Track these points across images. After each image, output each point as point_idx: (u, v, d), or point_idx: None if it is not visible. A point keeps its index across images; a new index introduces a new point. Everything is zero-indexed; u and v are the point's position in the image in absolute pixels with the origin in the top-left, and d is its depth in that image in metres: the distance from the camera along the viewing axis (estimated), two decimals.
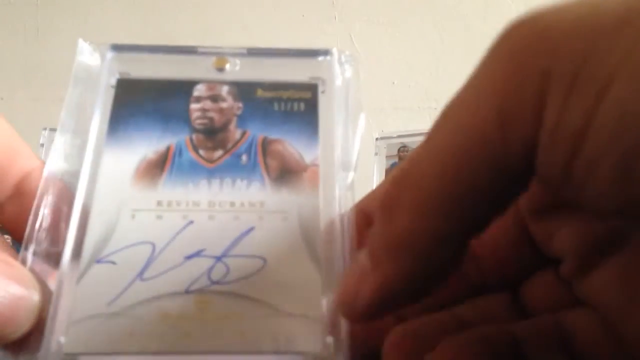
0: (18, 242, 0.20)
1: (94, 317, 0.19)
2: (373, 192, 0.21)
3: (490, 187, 0.15)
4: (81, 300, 0.19)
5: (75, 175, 0.21)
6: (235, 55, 0.24)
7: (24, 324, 0.18)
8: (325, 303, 0.19)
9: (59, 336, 0.18)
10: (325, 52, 0.24)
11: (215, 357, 0.19)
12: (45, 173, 0.21)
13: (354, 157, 0.22)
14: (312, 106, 0.23)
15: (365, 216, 0.21)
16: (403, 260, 0.16)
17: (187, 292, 0.19)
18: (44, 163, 0.21)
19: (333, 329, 0.19)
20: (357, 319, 0.18)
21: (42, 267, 0.19)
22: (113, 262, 0.19)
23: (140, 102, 0.22)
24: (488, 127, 0.14)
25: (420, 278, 0.16)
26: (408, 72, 0.89)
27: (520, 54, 0.14)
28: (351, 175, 0.22)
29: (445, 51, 0.91)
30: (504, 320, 0.20)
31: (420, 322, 0.20)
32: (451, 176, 0.14)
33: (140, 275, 0.19)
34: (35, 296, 0.18)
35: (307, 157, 0.22)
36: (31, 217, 0.20)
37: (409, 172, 0.16)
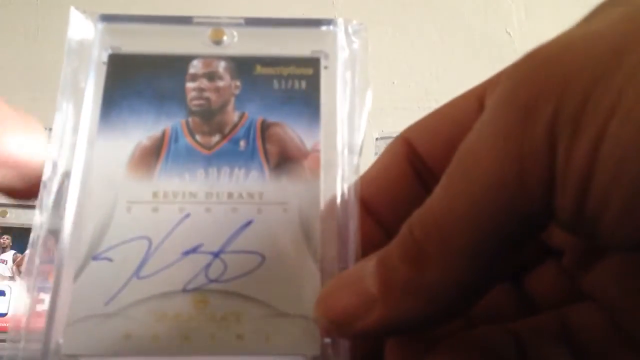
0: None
1: (92, 317, 0.19)
2: (370, 178, 0.20)
3: (515, 235, 0.15)
4: (79, 300, 0.19)
5: (69, 163, 0.20)
6: (233, 25, 0.22)
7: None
8: None
9: (57, 337, 0.18)
10: (329, 22, 0.22)
11: (212, 356, 0.18)
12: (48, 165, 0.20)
13: (359, 138, 0.21)
14: (313, 84, 0.21)
15: (363, 204, 0.20)
16: (422, 306, 0.16)
17: (184, 290, 0.19)
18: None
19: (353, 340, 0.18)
20: (347, 338, 0.18)
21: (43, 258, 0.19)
22: (110, 259, 0.19)
23: (134, 81, 0.21)
24: (508, 179, 0.14)
25: (434, 321, 0.16)
26: (408, 72, 0.89)
27: (527, 99, 0.14)
28: (356, 158, 0.20)
29: (445, 51, 0.90)
30: (507, 314, 0.19)
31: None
32: (478, 230, 0.15)
33: (137, 273, 0.19)
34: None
35: (308, 142, 0.21)
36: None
37: (434, 222, 0.16)
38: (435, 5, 0.93)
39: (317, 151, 0.21)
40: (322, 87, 0.21)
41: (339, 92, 0.21)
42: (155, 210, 0.20)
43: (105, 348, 0.18)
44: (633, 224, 0.13)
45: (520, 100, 0.15)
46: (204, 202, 0.20)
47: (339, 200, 0.20)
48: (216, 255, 0.19)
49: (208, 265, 0.19)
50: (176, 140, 0.21)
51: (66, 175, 0.20)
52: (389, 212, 0.20)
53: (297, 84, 0.21)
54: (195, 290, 0.19)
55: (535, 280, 0.20)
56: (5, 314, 0.66)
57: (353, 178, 0.20)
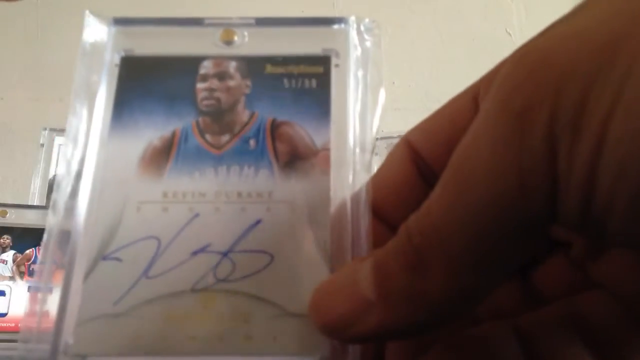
0: None
1: (101, 317, 0.19)
2: (376, 182, 0.20)
3: (517, 243, 0.15)
4: (88, 300, 0.19)
5: (81, 163, 0.20)
6: (243, 26, 0.22)
7: None
8: None
9: (67, 337, 0.18)
10: (341, 20, 0.22)
11: (220, 357, 0.18)
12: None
13: (371, 137, 0.21)
14: (324, 83, 0.21)
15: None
16: (422, 313, 0.16)
17: (193, 290, 0.19)
18: None
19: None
20: (343, 341, 0.18)
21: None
22: (119, 259, 0.19)
23: (145, 82, 0.22)
24: (508, 189, 0.14)
25: (433, 326, 0.16)
26: (408, 72, 0.89)
27: (522, 106, 0.14)
28: (368, 156, 0.20)
29: (445, 51, 0.91)
30: (513, 309, 0.19)
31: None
32: (479, 240, 0.15)
33: (146, 273, 0.19)
34: None
35: (318, 141, 0.21)
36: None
37: (434, 230, 0.15)
38: (435, 5, 0.93)
39: (327, 150, 0.20)
40: (333, 86, 0.21)
41: (351, 90, 0.21)
42: (164, 210, 0.20)
43: (114, 348, 0.18)
44: (638, 224, 0.13)
45: (515, 107, 0.14)
46: (213, 202, 0.20)
47: (349, 199, 0.20)
48: (225, 254, 0.19)
49: (217, 265, 0.19)
50: (186, 140, 0.21)
51: (78, 176, 0.20)
52: (397, 215, 0.20)
53: (307, 83, 0.21)
54: (204, 290, 0.19)
55: (543, 273, 0.20)
56: (5, 314, 0.65)
57: (365, 177, 0.20)
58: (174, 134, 0.21)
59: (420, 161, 0.20)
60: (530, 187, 0.14)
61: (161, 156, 0.21)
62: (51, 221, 0.19)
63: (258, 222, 0.20)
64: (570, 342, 0.18)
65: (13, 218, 0.70)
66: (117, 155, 0.21)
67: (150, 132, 0.21)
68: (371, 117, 0.21)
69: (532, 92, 0.14)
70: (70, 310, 0.19)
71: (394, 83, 0.89)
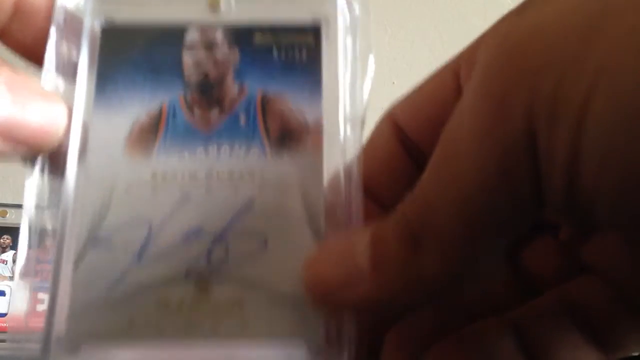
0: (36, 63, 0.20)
1: (94, 305, 0.18)
2: (365, 157, 0.20)
3: (506, 226, 0.15)
4: (80, 288, 0.18)
5: (65, 144, 0.19)
6: None
7: (58, 136, 0.19)
8: None
9: (60, 326, 0.18)
10: None
11: (215, 345, 0.18)
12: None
13: (362, 108, 0.20)
14: (314, 54, 0.21)
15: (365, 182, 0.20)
16: (412, 289, 0.16)
17: (186, 277, 0.19)
18: None
19: (337, 315, 0.18)
20: (330, 309, 0.18)
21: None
22: (110, 244, 0.19)
23: (129, 54, 0.21)
24: (491, 176, 0.14)
25: (420, 302, 0.17)
26: (408, 72, 0.89)
27: (502, 92, 0.14)
28: (359, 129, 0.20)
29: (446, 51, 0.90)
30: (506, 299, 0.19)
31: (420, 318, 0.19)
32: (469, 223, 0.15)
33: (138, 258, 0.19)
34: (64, 111, 0.19)
35: (310, 115, 0.20)
36: None
37: (427, 210, 0.16)
38: (436, 5, 0.93)
39: (319, 125, 0.20)
40: (324, 57, 0.20)
41: (340, 60, 0.20)
42: (154, 191, 0.19)
43: (108, 336, 0.18)
44: (625, 208, 0.13)
45: (495, 94, 0.15)
46: (204, 183, 0.19)
47: (342, 176, 0.19)
48: (218, 238, 0.19)
49: (210, 250, 0.19)
50: (174, 116, 0.20)
51: (62, 157, 0.20)
52: (385, 191, 0.20)
53: (297, 54, 0.21)
54: (198, 276, 0.19)
55: (533, 258, 0.20)
56: (5, 314, 0.65)
57: (357, 149, 0.20)
58: (161, 110, 0.20)
59: (405, 137, 0.20)
60: (513, 174, 0.14)
61: (149, 134, 0.20)
62: (33, 201, 0.19)
63: (250, 202, 0.19)
64: (565, 330, 0.18)
65: (13, 218, 0.70)
66: (103, 134, 0.20)
67: (136, 108, 0.20)
68: (361, 88, 0.20)
69: (511, 78, 0.14)
70: (61, 297, 0.18)
71: (394, 83, 0.88)
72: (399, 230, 0.16)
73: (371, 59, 0.20)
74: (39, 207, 0.19)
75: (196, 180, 0.19)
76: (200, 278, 0.19)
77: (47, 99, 0.19)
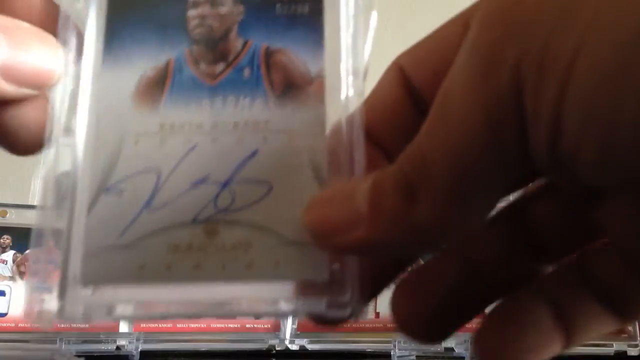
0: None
1: (107, 249, 0.19)
2: (368, 105, 0.20)
3: (498, 179, 0.16)
4: (93, 233, 0.19)
5: (74, 96, 0.20)
6: None
7: (58, 74, 0.20)
8: None
9: (75, 269, 0.19)
10: None
11: (223, 286, 0.19)
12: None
13: (364, 62, 0.21)
14: (316, 8, 0.21)
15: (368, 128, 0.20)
16: (405, 236, 0.17)
17: (194, 221, 0.19)
18: None
19: (340, 257, 0.19)
20: (328, 249, 0.18)
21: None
22: (120, 191, 0.20)
23: (136, 9, 0.21)
24: (480, 128, 0.15)
25: (412, 250, 0.18)
26: None
27: (492, 45, 0.15)
28: (361, 81, 0.20)
29: None
30: (522, 268, 0.20)
31: (427, 271, 0.20)
32: (460, 175, 0.16)
33: (148, 205, 0.19)
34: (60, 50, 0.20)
35: (312, 68, 0.21)
36: None
37: (422, 161, 0.16)
38: (436, 5, 0.94)
39: (322, 77, 0.20)
40: (326, 11, 0.21)
41: (342, 14, 0.21)
42: (162, 142, 0.20)
43: (122, 277, 0.19)
44: (608, 165, 0.14)
45: (485, 46, 0.15)
46: (210, 133, 0.20)
47: (344, 124, 0.20)
48: (224, 185, 0.20)
49: (217, 196, 0.19)
50: (180, 70, 0.21)
51: (72, 110, 0.20)
52: (389, 138, 0.20)
53: (300, 8, 0.21)
54: (205, 220, 0.19)
55: (543, 222, 0.20)
56: (6, 314, 0.65)
57: (358, 102, 0.20)
58: (167, 64, 0.21)
59: (411, 86, 0.20)
60: (499, 127, 0.15)
61: (156, 87, 0.21)
62: (51, 156, 0.20)
63: (255, 152, 0.20)
64: (585, 300, 0.18)
65: (13, 218, 0.70)
66: (111, 88, 0.21)
67: (143, 63, 0.21)
68: (363, 41, 0.21)
69: (501, 34, 0.15)
70: (75, 242, 0.19)
71: None
72: (396, 181, 0.17)
73: (374, 14, 0.21)
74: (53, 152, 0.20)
75: (202, 130, 0.20)
76: (207, 222, 0.19)
77: (43, 40, 0.20)
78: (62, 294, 0.19)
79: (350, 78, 0.20)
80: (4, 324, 0.64)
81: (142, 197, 0.19)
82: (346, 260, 0.19)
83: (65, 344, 0.62)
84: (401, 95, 0.20)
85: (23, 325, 0.64)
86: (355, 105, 0.20)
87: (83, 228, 0.19)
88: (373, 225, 0.17)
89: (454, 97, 0.16)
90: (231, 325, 0.67)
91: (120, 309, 0.19)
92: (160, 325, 0.66)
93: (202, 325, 0.67)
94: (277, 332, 0.66)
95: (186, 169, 0.20)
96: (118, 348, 0.64)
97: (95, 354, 0.64)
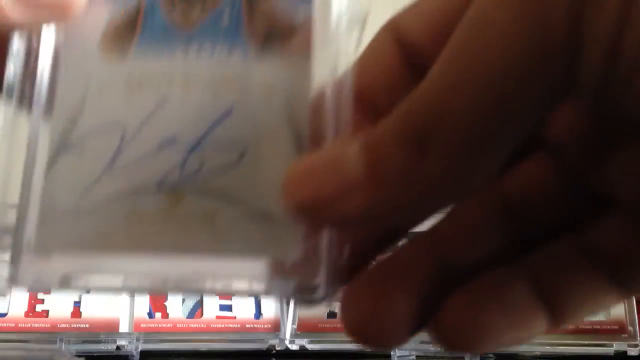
0: None
1: (64, 213, 0.18)
2: (359, 64, 0.18)
3: (526, 121, 0.14)
4: (51, 195, 0.18)
5: (36, 40, 0.18)
6: None
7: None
8: None
9: (30, 233, 0.18)
10: None
11: (185, 257, 0.17)
12: None
13: (359, 12, 0.18)
14: None
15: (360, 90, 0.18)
16: (417, 193, 0.15)
17: (159, 187, 0.17)
18: None
19: (314, 232, 0.17)
20: (317, 225, 0.16)
21: None
22: (82, 150, 0.18)
23: None
24: (528, 50, 0.13)
25: (421, 212, 0.16)
26: None
27: None
28: (356, 31, 0.18)
29: None
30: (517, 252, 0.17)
31: (396, 265, 0.18)
32: (488, 118, 0.14)
33: (111, 164, 0.18)
34: None
35: (300, 14, 0.18)
36: None
37: (438, 110, 0.14)
38: None
39: (309, 28, 0.18)
40: None
41: None
42: (130, 95, 0.18)
43: (79, 244, 0.18)
44: None
45: None
46: (181, 87, 0.18)
47: (332, 84, 0.17)
48: (193, 148, 0.18)
49: (184, 160, 0.18)
50: (152, 14, 0.18)
51: (34, 56, 0.18)
52: (379, 100, 0.18)
53: None
54: (170, 187, 0.17)
55: (523, 178, 0.18)
56: (5, 314, 0.66)
57: (352, 57, 0.18)
58: (138, 8, 0.19)
59: (407, 46, 0.18)
60: (552, 40, 0.13)
61: (125, 34, 0.18)
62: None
63: (230, 110, 0.18)
64: (583, 272, 0.17)
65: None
66: (76, 33, 0.19)
67: (112, 4, 0.19)
68: None
69: None
70: (32, 205, 0.18)
71: None
72: (401, 132, 0.15)
73: None
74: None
75: (173, 84, 0.18)
76: (172, 190, 0.17)
77: None
78: (14, 261, 0.17)
79: (344, 26, 0.18)
80: (4, 324, 0.65)
81: (104, 157, 0.18)
82: (321, 238, 0.17)
83: (65, 344, 0.63)
84: (395, 53, 0.18)
85: (23, 325, 0.65)
86: (348, 60, 0.18)
87: (40, 190, 0.18)
88: (375, 188, 0.15)
89: (486, 24, 0.14)
90: (231, 325, 0.68)
91: (76, 279, 0.18)
92: (160, 326, 0.67)
93: (202, 326, 0.68)
94: (277, 332, 0.67)
95: (153, 127, 0.18)
96: (118, 348, 0.65)
97: (95, 354, 0.64)
